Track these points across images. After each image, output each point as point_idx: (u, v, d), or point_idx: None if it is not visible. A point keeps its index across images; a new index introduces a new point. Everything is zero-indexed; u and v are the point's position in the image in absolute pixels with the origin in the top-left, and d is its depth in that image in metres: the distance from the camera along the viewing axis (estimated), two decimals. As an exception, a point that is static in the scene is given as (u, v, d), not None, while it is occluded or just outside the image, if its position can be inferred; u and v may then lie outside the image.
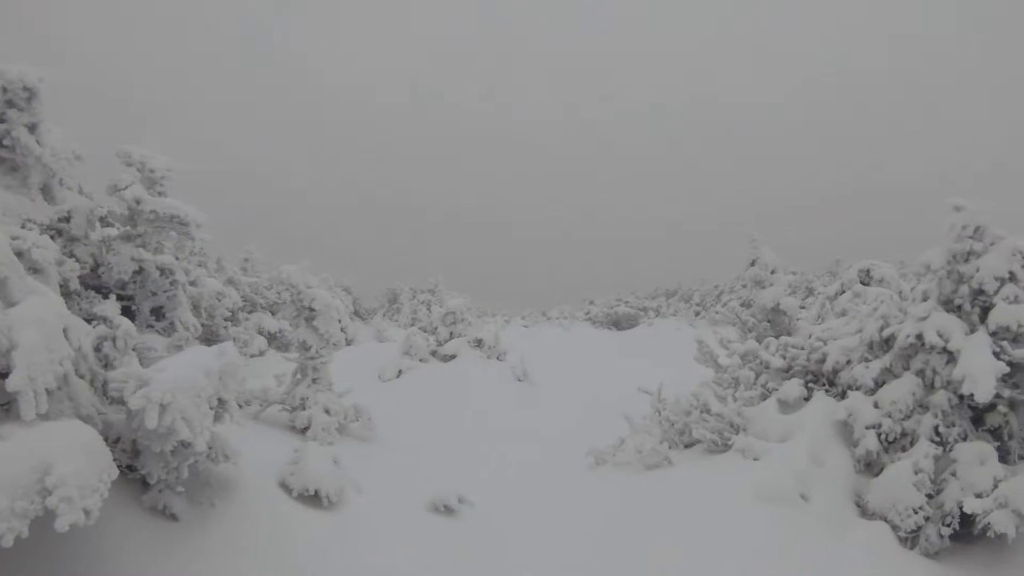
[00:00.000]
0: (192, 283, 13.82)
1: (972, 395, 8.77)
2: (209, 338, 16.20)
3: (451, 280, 29.33)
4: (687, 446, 11.31)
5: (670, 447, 11.26)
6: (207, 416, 6.13)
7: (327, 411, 11.59)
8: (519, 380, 18.85)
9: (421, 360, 19.53)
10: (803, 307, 15.94)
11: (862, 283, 12.92)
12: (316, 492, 8.54)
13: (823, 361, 10.66)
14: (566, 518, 9.79)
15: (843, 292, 13.18)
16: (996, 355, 9.01)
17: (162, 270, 10.72)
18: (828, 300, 13.69)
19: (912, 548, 8.89)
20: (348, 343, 25.46)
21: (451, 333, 20.72)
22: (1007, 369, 8.85)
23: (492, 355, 20.07)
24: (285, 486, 8.61)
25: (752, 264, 12.34)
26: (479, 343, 20.29)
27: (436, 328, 20.99)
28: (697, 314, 39.76)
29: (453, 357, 19.92)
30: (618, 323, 39.09)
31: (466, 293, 27.11)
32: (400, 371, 18.88)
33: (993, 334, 9.24)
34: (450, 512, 9.67)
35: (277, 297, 23.09)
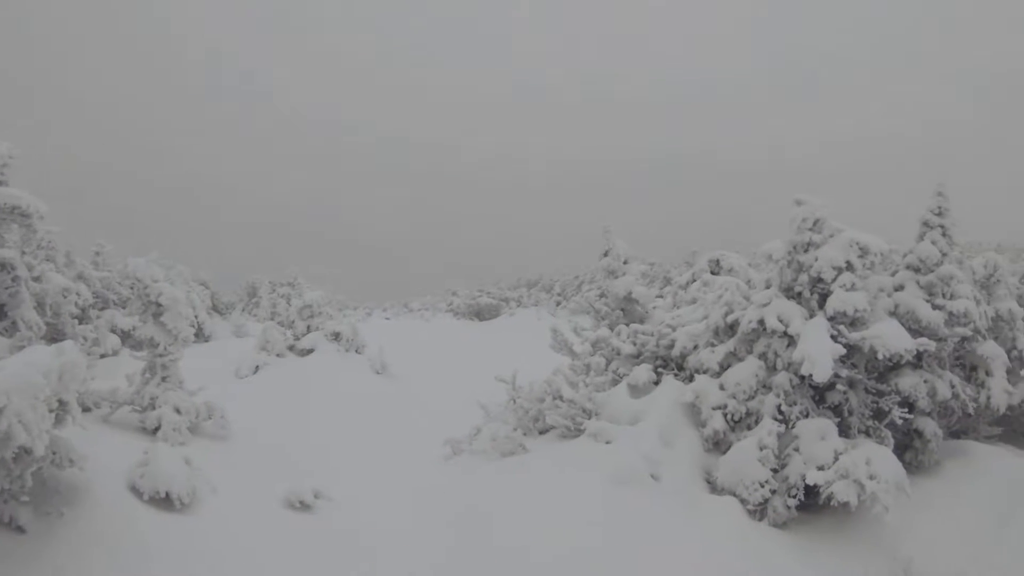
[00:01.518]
0: (36, 279, 13.21)
1: (811, 376, 9.32)
2: (56, 337, 15.45)
3: (314, 273, 28.91)
4: (542, 432, 11.52)
5: (525, 434, 11.45)
6: (46, 419, 5.79)
7: (178, 410, 11.20)
8: (377, 373, 18.73)
9: (278, 355, 19.15)
10: (660, 296, 16.45)
11: (712, 273, 13.44)
12: (168, 494, 8.20)
13: (672, 347, 11.10)
14: (424, 508, 9.84)
15: (694, 281, 13.68)
16: (834, 338, 9.64)
17: (2, 265, 10.27)
18: (680, 289, 14.22)
19: (761, 520, 9.46)
20: (206, 339, 24.83)
21: (308, 327, 20.38)
22: (844, 351, 9.52)
23: (350, 348, 19.86)
24: (136, 490, 8.27)
25: (605, 255, 12.67)
26: (337, 336, 20.05)
27: (293, 322, 20.66)
28: (558, 304, 40.29)
29: (311, 351, 19.59)
30: (480, 314, 39.24)
31: (328, 285, 26.83)
32: (257, 367, 18.42)
33: (831, 319, 9.87)
34: (307, 508, 9.55)
35: (131, 292, 22.31)
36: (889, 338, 9.68)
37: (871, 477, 8.84)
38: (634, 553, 8.20)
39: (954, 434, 12.93)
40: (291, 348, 19.98)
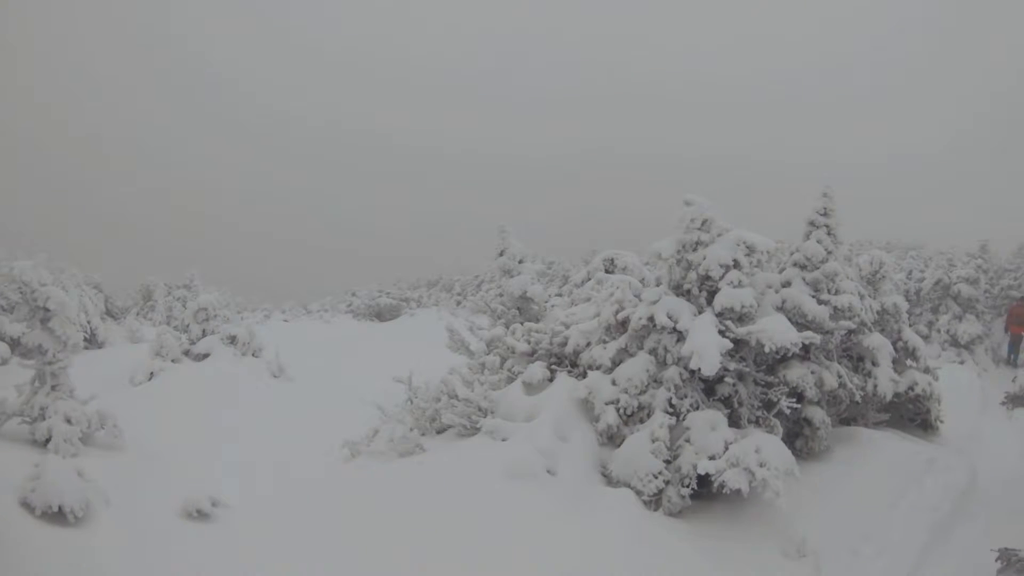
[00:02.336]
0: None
1: (700, 369, 9.56)
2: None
3: (212, 275, 28.23)
4: (439, 432, 11.54)
5: (423, 434, 11.45)
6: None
7: (68, 420, 10.84)
8: (275, 376, 18.49)
9: (173, 361, 18.69)
10: (560, 295, 16.63)
11: (607, 271, 13.61)
12: (60, 508, 8.00)
13: (565, 344, 11.24)
14: (322, 511, 9.75)
15: (589, 279, 13.84)
16: (722, 333, 9.91)
17: None
18: (576, 287, 14.40)
19: (656, 509, 9.68)
20: (99, 345, 24.14)
21: (204, 331, 19.98)
22: (731, 345, 9.79)
23: (247, 352, 19.56)
24: (27, 505, 8.00)
25: (501, 254, 12.74)
26: (233, 340, 19.72)
27: (188, 326, 20.25)
28: (459, 303, 40.25)
29: (207, 356, 19.27)
30: (380, 314, 38.90)
31: (225, 287, 26.28)
32: (152, 373, 17.97)
33: (719, 315, 10.14)
34: (204, 517, 9.36)
35: (20, 297, 21.57)
36: (775, 332, 9.96)
37: (761, 464, 9.11)
38: (531, 546, 8.27)
39: (844, 421, 13.42)
40: (186, 353, 19.55)
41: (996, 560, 9.49)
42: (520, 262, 12.64)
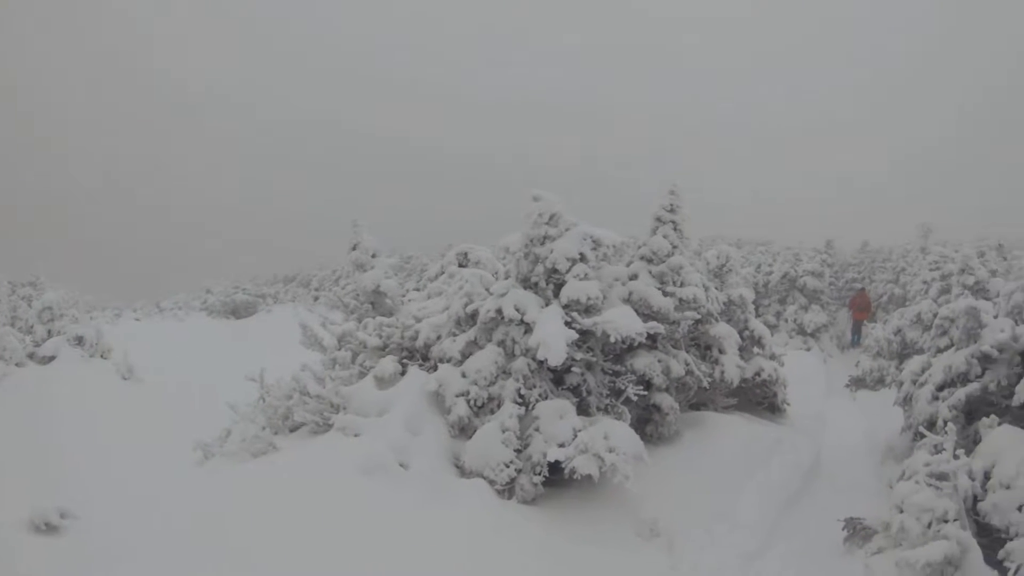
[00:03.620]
0: None
1: (547, 360, 9.73)
2: None
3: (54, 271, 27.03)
4: (293, 430, 11.39)
5: (276, 433, 11.28)
6: None
7: None
8: (124, 379, 17.88)
9: (17, 364, 17.87)
10: (417, 290, 16.61)
11: (460, 265, 13.69)
12: None
13: (416, 338, 11.27)
14: (174, 517, 9.53)
15: (442, 274, 13.91)
16: (568, 324, 10.11)
17: None
18: (430, 281, 14.43)
19: (510, 498, 9.84)
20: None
21: (49, 331, 19.22)
22: (577, 336, 10.02)
23: (95, 353, 18.84)
24: None
25: (354, 248, 12.66)
26: (80, 341, 19.00)
27: (33, 327, 19.42)
28: (316, 299, 39.66)
29: (53, 358, 18.52)
30: (236, 311, 37.78)
31: (73, 285, 25.28)
32: (-9, 378, 17.28)
33: (566, 307, 10.35)
34: (53, 530, 9.09)
35: None
36: (620, 323, 10.25)
37: (610, 450, 9.34)
38: (385, 540, 8.26)
39: (694, 406, 13.92)
40: (31, 356, 18.74)
41: (843, 529, 10.07)
42: (373, 256, 12.58)
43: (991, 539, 8.22)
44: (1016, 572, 7.13)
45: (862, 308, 29.52)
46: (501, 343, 10.53)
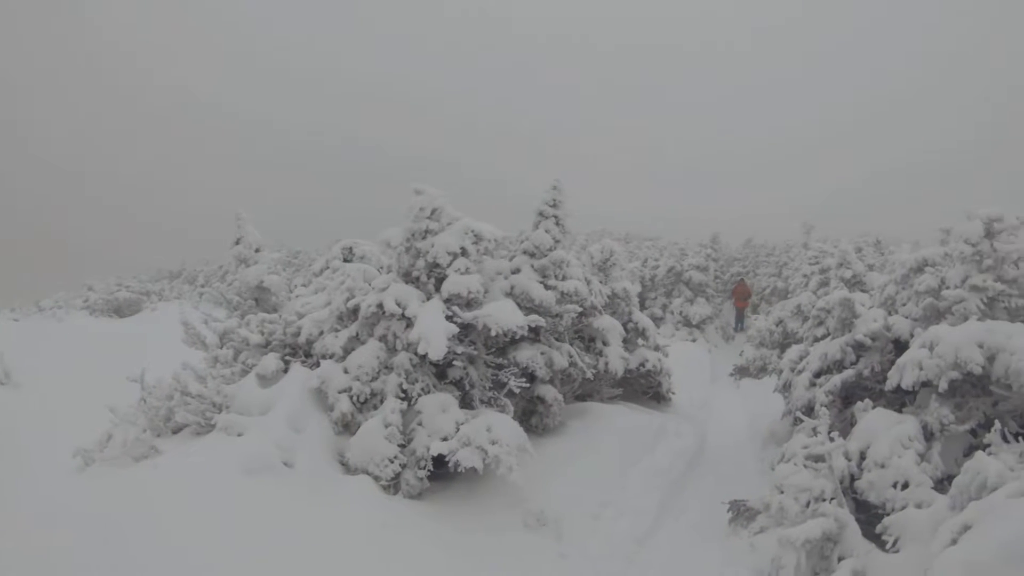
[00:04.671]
0: None
1: (428, 354, 9.82)
2: None
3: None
4: (175, 432, 11.13)
5: (158, 435, 11.04)
6: None
7: None
8: (0, 383, 17.43)
9: None
10: (305, 285, 16.48)
11: (345, 260, 13.61)
12: None
13: (299, 334, 11.20)
14: (55, 527, 9.31)
15: (327, 268, 13.83)
16: (449, 319, 10.20)
17: None
18: (315, 276, 14.33)
19: (396, 493, 9.85)
20: None
21: (-80, 335, 18.58)
22: (458, 330, 10.12)
23: (-34, 359, 18.26)
24: None
25: (237, 243, 12.42)
26: (-52, 346, 18.36)
27: (-98, 331, 18.70)
28: (202, 295, 38.73)
29: (-84, 365, 17.84)
30: (120, 310, 36.57)
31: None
32: None
33: (447, 301, 10.45)
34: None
35: None
36: (501, 316, 10.39)
37: (493, 442, 9.51)
38: (269, 539, 8.20)
39: (580, 397, 14.21)
40: (-98, 361, 18.03)
41: (728, 511, 10.41)
42: (257, 251, 12.39)
43: (869, 515, 8.67)
44: (894, 544, 7.50)
45: (743, 297, 31.41)
46: (383, 338, 10.56)
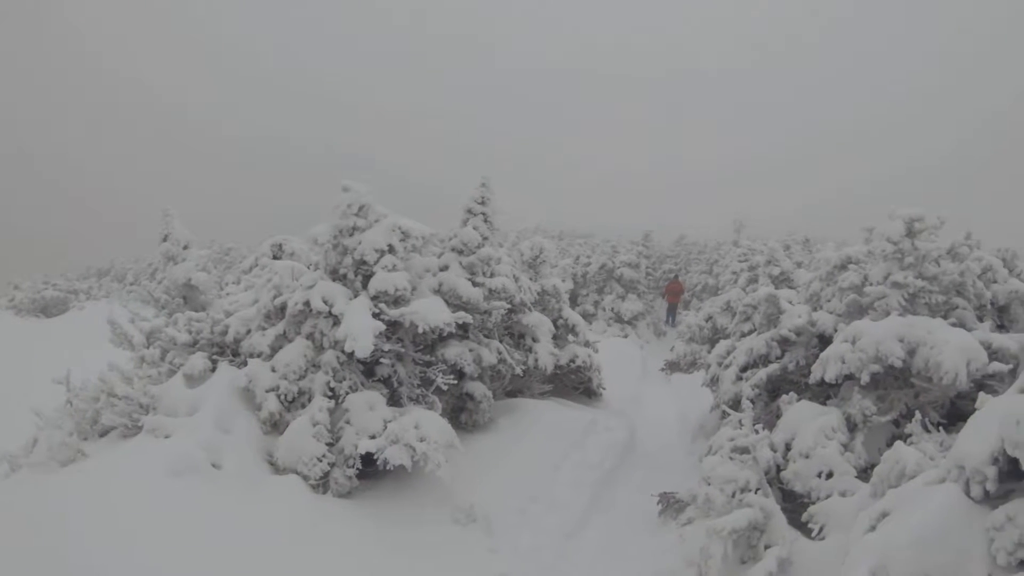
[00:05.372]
0: None
1: (355, 352, 9.85)
2: None
3: None
4: (102, 435, 10.93)
5: (85, 438, 10.86)
6: None
7: None
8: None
9: None
10: (236, 283, 16.38)
11: (275, 257, 13.55)
12: None
13: (226, 333, 11.13)
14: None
15: (256, 266, 13.77)
16: (376, 316, 10.24)
17: None
18: (244, 274, 14.28)
19: (325, 493, 9.84)
20: None
21: None
22: (384, 327, 10.16)
23: None
24: None
25: (164, 239, 12.26)
26: None
27: None
28: (131, 294, 38.08)
29: None
30: (46, 309, 35.77)
31: None
32: None
33: (374, 298, 10.49)
34: None
35: None
36: (428, 313, 10.48)
37: (421, 439, 9.53)
38: (198, 543, 8.14)
39: (510, 394, 14.33)
40: None
41: (657, 503, 10.61)
42: (185, 248, 12.25)
43: (796, 504, 8.96)
44: (819, 532, 7.75)
45: (674, 293, 32.28)
46: (310, 336, 10.56)
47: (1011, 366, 8.83)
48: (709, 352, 16.77)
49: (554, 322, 15.48)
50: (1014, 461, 5.19)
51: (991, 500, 5.46)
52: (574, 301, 29.24)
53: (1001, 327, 10.93)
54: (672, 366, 19.49)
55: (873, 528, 6.26)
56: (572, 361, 15.67)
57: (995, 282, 11.10)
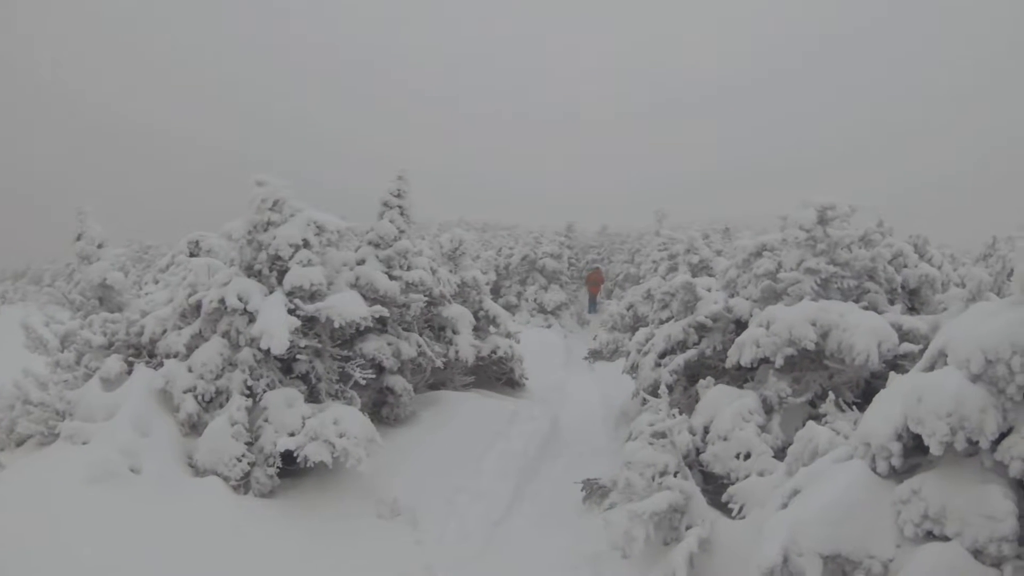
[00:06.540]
0: None
1: (271, 348, 9.79)
2: None
3: None
4: (19, 444, 10.65)
5: (2, 448, 10.62)
6: None
7: None
8: None
9: None
10: (157, 281, 16.05)
11: (192, 254, 13.33)
12: None
13: (142, 333, 10.93)
14: None
15: (173, 264, 13.52)
16: (292, 312, 10.19)
17: None
18: (160, 272, 14.00)
19: (246, 493, 9.79)
20: None
21: None
22: (300, 323, 10.15)
23: None
24: None
25: (78, 239, 11.92)
26: None
27: None
28: (46, 296, 36.94)
29: None
30: (-43, 314, 34.81)
31: None
32: None
33: (289, 294, 10.44)
34: None
35: None
36: (344, 308, 10.46)
37: (341, 435, 9.55)
38: (118, 550, 8.01)
39: (432, 387, 14.39)
40: None
41: (581, 490, 10.71)
42: (100, 247, 11.90)
43: (716, 485, 9.27)
44: (740, 511, 7.92)
45: (595, 283, 33.19)
46: (226, 334, 10.45)
47: (921, 346, 9.15)
48: (630, 340, 16.99)
49: (475, 314, 15.53)
50: (917, 437, 5.38)
51: (897, 475, 5.68)
52: (497, 293, 29.28)
53: (912, 309, 11.30)
54: (595, 354, 19.64)
55: (785, 505, 6.44)
56: (494, 352, 15.74)
57: (906, 267, 11.46)
